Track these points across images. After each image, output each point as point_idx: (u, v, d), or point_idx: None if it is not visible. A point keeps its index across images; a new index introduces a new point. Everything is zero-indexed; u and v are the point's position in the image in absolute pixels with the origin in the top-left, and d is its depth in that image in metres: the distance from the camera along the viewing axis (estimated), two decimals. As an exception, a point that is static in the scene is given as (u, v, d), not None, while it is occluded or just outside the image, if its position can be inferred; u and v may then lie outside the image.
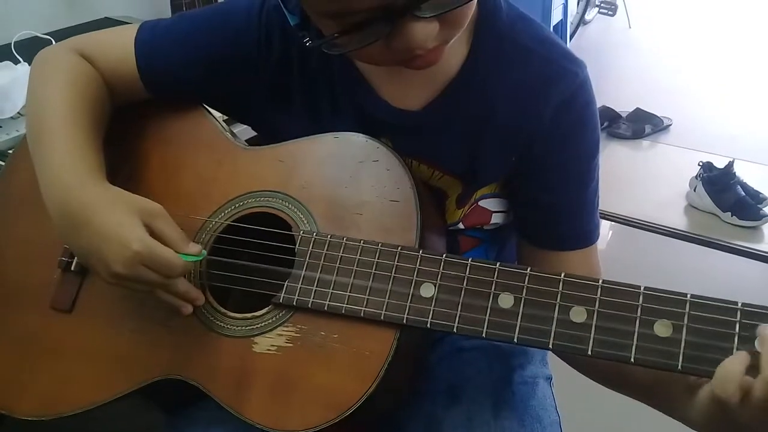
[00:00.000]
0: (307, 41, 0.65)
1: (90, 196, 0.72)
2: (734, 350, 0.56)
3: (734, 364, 0.54)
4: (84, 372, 0.77)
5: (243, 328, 0.72)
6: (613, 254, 2.47)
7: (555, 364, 0.87)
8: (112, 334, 0.77)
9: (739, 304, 0.57)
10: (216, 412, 0.72)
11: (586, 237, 0.79)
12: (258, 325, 0.72)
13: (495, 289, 0.65)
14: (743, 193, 2.54)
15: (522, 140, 0.75)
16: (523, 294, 0.64)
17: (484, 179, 0.79)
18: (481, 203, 0.82)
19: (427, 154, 0.77)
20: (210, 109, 0.85)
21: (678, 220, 2.57)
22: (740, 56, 4.09)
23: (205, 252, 0.74)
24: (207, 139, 0.82)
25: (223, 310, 0.74)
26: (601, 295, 0.61)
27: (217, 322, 0.74)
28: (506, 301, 0.64)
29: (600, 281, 0.62)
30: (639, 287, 0.60)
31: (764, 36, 4.36)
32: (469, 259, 0.67)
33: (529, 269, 0.65)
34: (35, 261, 0.82)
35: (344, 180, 0.74)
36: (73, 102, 0.77)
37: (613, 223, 2.53)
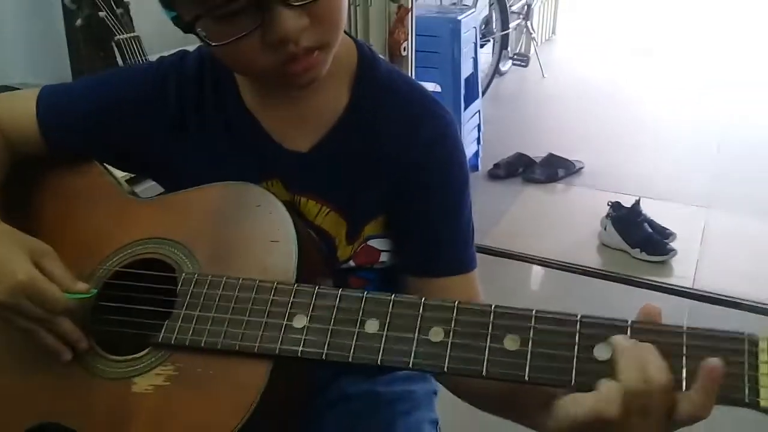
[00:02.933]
0: (185, 30, 0.70)
1: None
2: (575, 358, 0.60)
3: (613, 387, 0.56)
4: None
5: (122, 370, 0.73)
6: (532, 295, 2.55)
7: (442, 405, 0.90)
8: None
9: (578, 316, 0.61)
10: (99, 458, 0.72)
11: (464, 264, 0.84)
12: (137, 366, 0.73)
13: (362, 316, 0.68)
14: (650, 230, 2.67)
15: (399, 171, 0.81)
16: (387, 319, 0.67)
17: (366, 213, 0.83)
18: (370, 242, 0.86)
19: (315, 191, 0.83)
20: (109, 167, 0.89)
21: (592, 259, 2.67)
22: (643, 101, 4.34)
23: (94, 290, 0.76)
24: (101, 194, 0.86)
25: (105, 353, 0.75)
26: (456, 315, 0.65)
27: (98, 366, 0.74)
28: (372, 326, 0.67)
29: (456, 302, 0.66)
30: (490, 306, 0.64)
31: (662, 80, 4.66)
32: (339, 290, 0.70)
33: (393, 296, 0.68)
34: None
35: (229, 224, 0.77)
36: None
37: (531, 265, 2.62)
